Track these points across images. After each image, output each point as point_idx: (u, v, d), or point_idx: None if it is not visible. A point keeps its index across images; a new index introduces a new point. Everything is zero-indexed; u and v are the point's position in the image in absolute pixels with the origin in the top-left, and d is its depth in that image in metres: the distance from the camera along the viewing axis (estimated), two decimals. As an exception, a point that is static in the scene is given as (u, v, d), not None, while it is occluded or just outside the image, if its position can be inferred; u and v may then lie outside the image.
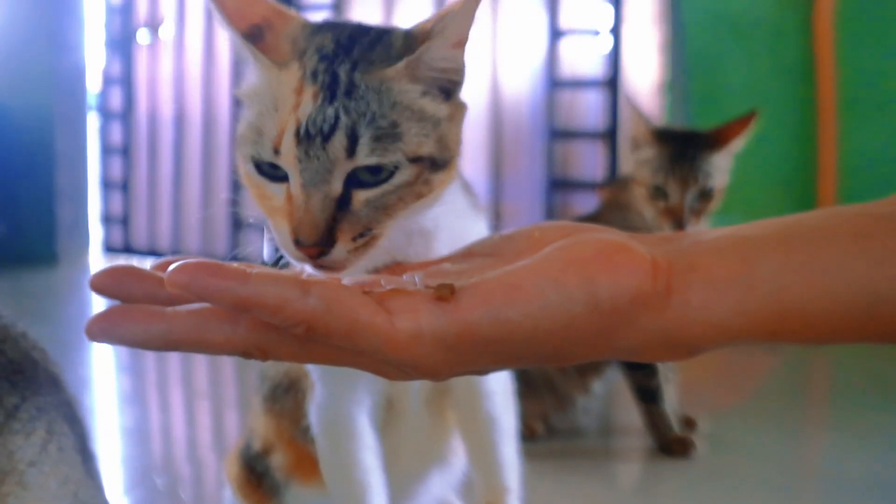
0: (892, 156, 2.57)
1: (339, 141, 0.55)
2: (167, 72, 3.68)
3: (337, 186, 0.56)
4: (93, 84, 3.91)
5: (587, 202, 2.78)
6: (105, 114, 3.91)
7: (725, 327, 0.42)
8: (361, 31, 0.61)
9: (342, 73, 0.57)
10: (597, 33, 2.82)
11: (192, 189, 3.62)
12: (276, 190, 0.57)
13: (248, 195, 0.61)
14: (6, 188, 3.70)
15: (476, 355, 0.42)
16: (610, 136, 2.81)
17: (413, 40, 0.59)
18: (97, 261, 3.79)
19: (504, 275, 0.42)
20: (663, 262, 0.42)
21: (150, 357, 2.17)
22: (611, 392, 1.70)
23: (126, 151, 3.82)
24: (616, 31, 2.76)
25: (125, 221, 3.82)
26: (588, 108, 2.86)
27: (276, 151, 0.56)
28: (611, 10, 2.76)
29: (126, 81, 3.79)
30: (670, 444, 1.42)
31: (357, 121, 0.56)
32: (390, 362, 0.41)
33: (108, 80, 3.88)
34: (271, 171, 0.57)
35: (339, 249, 0.56)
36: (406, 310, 0.40)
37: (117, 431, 1.55)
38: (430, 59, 0.58)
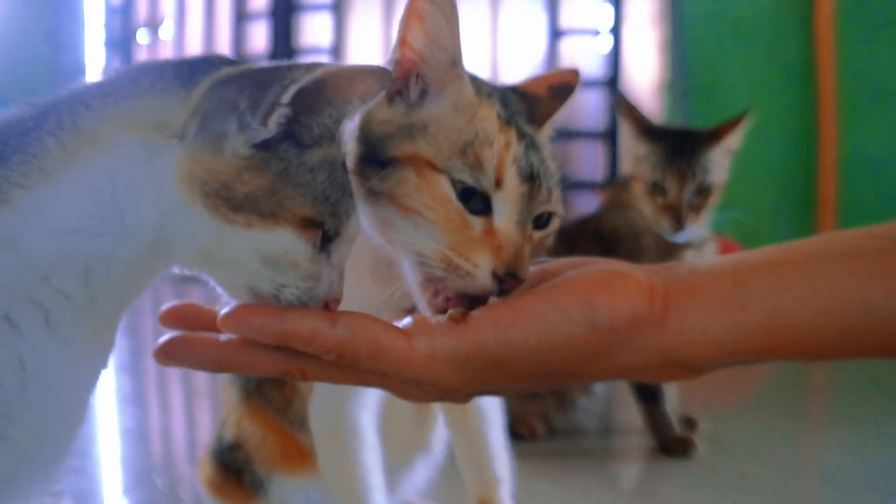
0: (892, 156, 2.57)
1: (545, 187, 0.60)
2: (167, 72, 3.67)
3: (532, 226, 0.59)
4: (93, 84, 3.90)
5: (587, 202, 2.78)
6: (105, 114, 3.90)
7: (721, 345, 0.45)
8: (494, 84, 0.66)
9: (521, 124, 0.62)
10: (597, 33, 2.82)
11: (192, 189, 3.61)
12: (475, 221, 0.57)
13: (415, 203, 0.57)
14: (6, 188, 3.69)
15: (488, 373, 0.46)
16: (610, 136, 2.81)
17: (527, 99, 0.67)
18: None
19: (512, 300, 0.47)
20: (660, 286, 0.46)
21: (149, 357, 2.17)
22: (611, 392, 1.70)
23: (126, 151, 3.82)
24: (616, 31, 2.76)
25: (125, 221, 3.82)
26: (588, 108, 2.85)
27: (497, 184, 0.57)
28: (611, 10, 2.76)
29: (126, 81, 3.79)
30: (670, 444, 1.42)
31: (553, 172, 0.62)
32: (411, 381, 0.46)
33: (107, 80, 3.88)
34: (463, 197, 0.57)
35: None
36: (423, 333, 0.45)
37: (117, 431, 1.55)
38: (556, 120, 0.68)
